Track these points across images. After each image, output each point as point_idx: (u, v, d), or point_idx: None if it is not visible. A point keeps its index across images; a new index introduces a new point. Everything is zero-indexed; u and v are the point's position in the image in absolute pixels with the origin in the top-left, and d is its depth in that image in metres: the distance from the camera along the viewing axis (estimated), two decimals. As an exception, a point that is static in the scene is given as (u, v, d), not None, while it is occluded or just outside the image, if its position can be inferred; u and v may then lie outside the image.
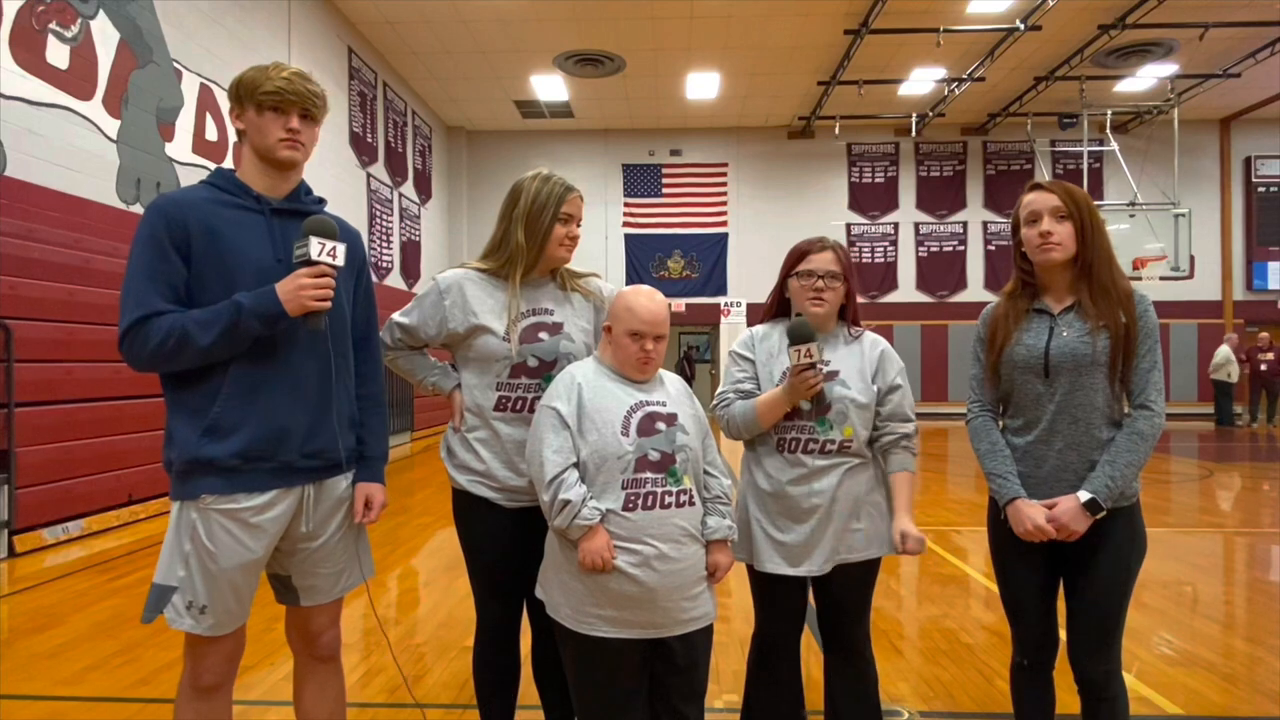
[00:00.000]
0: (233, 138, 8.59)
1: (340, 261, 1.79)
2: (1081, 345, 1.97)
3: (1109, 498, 1.93)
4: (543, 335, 2.14)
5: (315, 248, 1.75)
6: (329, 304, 1.77)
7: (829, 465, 2.15)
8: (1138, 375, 1.98)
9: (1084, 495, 1.93)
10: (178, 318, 1.70)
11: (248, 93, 1.80)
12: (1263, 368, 14.66)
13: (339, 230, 1.83)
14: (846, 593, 2.22)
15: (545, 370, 2.13)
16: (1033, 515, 1.97)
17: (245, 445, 1.75)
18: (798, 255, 2.22)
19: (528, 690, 2.37)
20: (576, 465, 1.92)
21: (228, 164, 8.54)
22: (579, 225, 2.20)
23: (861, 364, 2.21)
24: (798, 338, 2.04)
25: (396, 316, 2.24)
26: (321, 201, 1.98)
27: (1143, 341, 1.98)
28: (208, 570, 1.75)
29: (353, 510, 1.97)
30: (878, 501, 2.21)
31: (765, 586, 2.24)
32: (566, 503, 1.86)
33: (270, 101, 1.79)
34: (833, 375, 2.16)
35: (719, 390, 2.32)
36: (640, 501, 1.90)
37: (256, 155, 1.85)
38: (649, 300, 1.99)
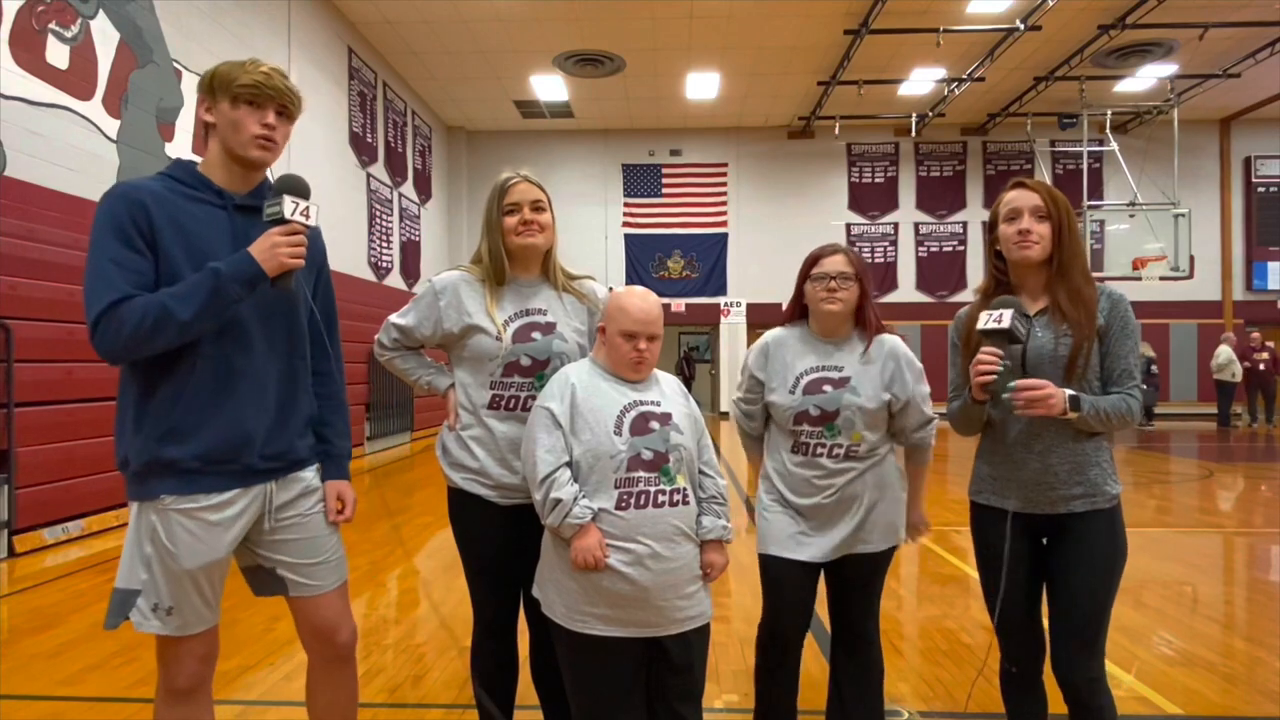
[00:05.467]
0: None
1: (314, 221, 1.76)
2: (1061, 348, 1.96)
3: (1087, 407, 1.88)
4: (535, 335, 2.17)
5: (289, 206, 1.71)
6: (303, 262, 1.74)
7: (841, 468, 2.22)
8: (1124, 367, 1.95)
9: (1070, 391, 1.88)
10: (152, 297, 1.65)
11: (222, 85, 1.75)
12: (1261, 367, 14.63)
13: (310, 192, 1.79)
14: (857, 582, 2.28)
15: (538, 369, 2.16)
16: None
17: (206, 448, 1.72)
18: (811, 261, 2.29)
19: (526, 690, 2.37)
20: (569, 464, 1.94)
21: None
22: (535, 209, 2.16)
23: (874, 370, 2.25)
24: (1001, 305, 1.93)
25: (393, 318, 2.27)
26: None
27: (1123, 341, 1.96)
28: (170, 571, 1.72)
29: (325, 504, 1.94)
30: (890, 497, 2.27)
31: (775, 575, 2.26)
32: (558, 501, 1.88)
33: (246, 95, 1.74)
34: (844, 381, 2.21)
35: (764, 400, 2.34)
36: (633, 500, 1.91)
37: (224, 150, 1.79)
38: (642, 300, 2.01)
